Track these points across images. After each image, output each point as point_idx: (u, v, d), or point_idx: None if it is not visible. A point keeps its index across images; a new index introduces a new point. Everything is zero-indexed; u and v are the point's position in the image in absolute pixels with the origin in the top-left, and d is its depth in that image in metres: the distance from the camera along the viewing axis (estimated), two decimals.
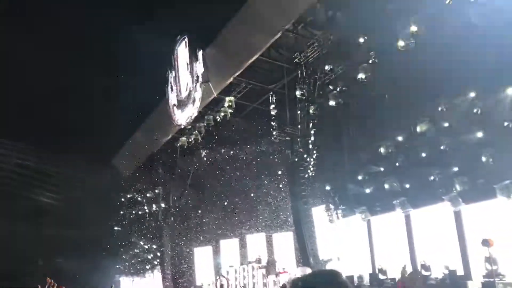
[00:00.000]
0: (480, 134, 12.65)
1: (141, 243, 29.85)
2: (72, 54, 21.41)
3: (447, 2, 11.55)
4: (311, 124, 17.57)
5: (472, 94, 12.80)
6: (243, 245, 22.79)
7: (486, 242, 9.84)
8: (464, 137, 13.05)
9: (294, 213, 19.01)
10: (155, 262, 28.29)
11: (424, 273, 13.38)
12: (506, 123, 11.88)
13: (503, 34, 10.68)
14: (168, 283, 24.45)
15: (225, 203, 24.34)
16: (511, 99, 11.92)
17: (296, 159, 18.60)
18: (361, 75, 14.59)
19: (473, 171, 12.96)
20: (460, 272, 12.66)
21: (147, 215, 27.84)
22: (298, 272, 17.36)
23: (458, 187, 13.34)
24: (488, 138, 12.48)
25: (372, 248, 16.62)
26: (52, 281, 5.54)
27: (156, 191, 26.24)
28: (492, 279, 10.74)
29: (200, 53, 17.95)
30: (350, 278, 15.42)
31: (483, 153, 12.36)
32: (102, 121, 23.32)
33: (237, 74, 16.81)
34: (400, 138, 15.19)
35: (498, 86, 12.09)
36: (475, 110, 12.64)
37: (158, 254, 27.18)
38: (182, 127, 20.05)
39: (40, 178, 28.73)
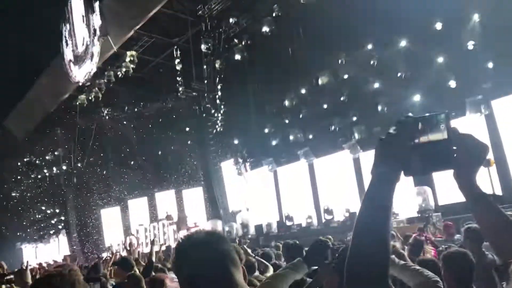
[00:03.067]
0: (376, 85, 13.49)
1: (43, 207, 28.39)
2: None
3: None
4: (217, 79, 17.50)
5: (369, 47, 13.51)
6: (152, 203, 22.58)
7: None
8: (361, 87, 13.85)
9: (203, 168, 19.12)
10: (59, 227, 27.18)
11: (327, 216, 14.29)
12: (399, 74, 12.80)
13: None
14: (74, 247, 23.67)
15: (132, 162, 23.75)
16: (403, 51, 12.77)
17: (204, 115, 18.55)
18: (265, 28, 14.67)
19: (370, 119, 13.86)
20: None
21: (48, 179, 26.40)
22: (209, 225, 17.71)
23: (356, 136, 14.24)
24: (383, 88, 13.37)
25: (279, 197, 17.37)
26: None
27: (56, 153, 24.83)
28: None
29: (96, 4, 16.74)
30: (259, 226, 16.06)
31: (379, 102, 13.25)
32: None
33: (138, 26, 16.00)
34: (303, 91, 15.69)
35: (392, 38, 12.87)
36: (371, 62, 13.41)
37: (62, 218, 26.09)
38: (81, 84, 18.90)
39: None
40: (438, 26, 11.88)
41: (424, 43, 12.38)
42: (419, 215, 11.85)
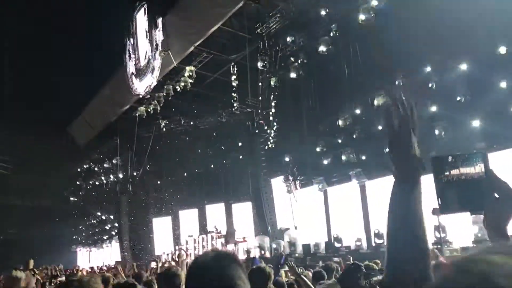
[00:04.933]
0: (434, 108, 13.15)
1: (98, 213, 29.53)
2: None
3: None
4: (272, 96, 17.69)
5: (428, 69, 13.23)
6: (202, 215, 22.93)
7: (436, 211, 10.27)
8: (418, 110, 13.49)
9: (253, 184, 19.26)
10: (113, 233, 28.12)
11: (377, 240, 13.95)
12: (458, 98, 12.41)
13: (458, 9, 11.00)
14: (126, 253, 24.37)
15: (185, 174, 24.29)
16: (463, 75, 12.40)
17: (257, 131, 18.76)
18: (322, 48, 14.72)
19: (425, 143, 13.48)
20: None
21: (105, 185, 27.47)
22: (256, 241, 17.75)
23: None
24: (441, 112, 13.01)
25: (328, 217, 17.15)
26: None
27: (114, 161, 25.83)
28: (439, 246, 11.37)
29: (159, 20, 17.49)
30: (307, 246, 15.91)
31: (436, 126, 12.89)
32: (57, 88, 22.62)
33: (198, 43, 16.53)
34: (357, 111, 15.55)
35: (452, 61, 12.55)
36: (430, 85, 13.10)
37: (116, 224, 26.98)
38: (141, 96, 19.67)
39: None
40: (502, 50, 11.48)
41: (486, 67, 11.97)
42: (474, 244, 11.35)
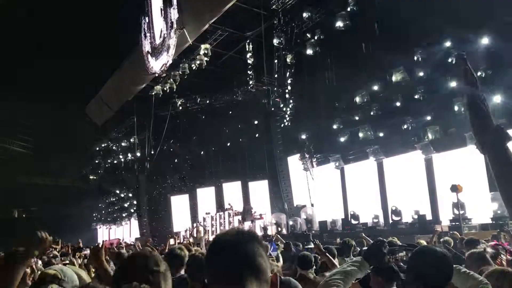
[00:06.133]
0: (453, 84, 12.88)
1: (117, 191, 29.99)
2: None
3: None
4: (288, 73, 17.54)
5: (448, 44, 12.92)
6: (219, 193, 23.12)
7: (455, 188, 10.23)
8: (437, 86, 13.29)
9: (270, 162, 19.27)
10: (131, 210, 28.59)
11: (395, 217, 13.92)
12: (479, 73, 12.12)
13: None
14: (145, 230, 24.80)
15: (202, 152, 24.43)
16: (484, 49, 12.09)
17: (273, 109, 18.69)
18: (339, 23, 14.49)
19: (444, 120, 13.29)
20: (429, 217, 13.23)
21: (123, 164, 27.82)
22: (273, 218, 17.87)
23: (430, 136, 13.72)
24: (460, 88, 12.73)
25: (345, 194, 17.13)
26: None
27: (132, 140, 26.10)
28: (458, 223, 11.28)
29: None
30: (324, 223, 15.96)
31: (455, 102, 12.65)
32: (73, 70, 22.77)
33: (213, 20, 16.40)
34: (375, 88, 15.35)
35: (472, 36, 12.21)
36: (449, 60, 12.81)
37: (135, 202, 27.40)
38: (157, 75, 19.70)
39: (12, 125, 28.22)
40: None
41: (507, 41, 11.62)
42: (493, 222, 11.25)
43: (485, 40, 12.08)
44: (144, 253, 1.70)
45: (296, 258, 5.21)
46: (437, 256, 2.19)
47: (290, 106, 18.02)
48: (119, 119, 25.93)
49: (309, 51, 15.87)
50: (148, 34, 19.54)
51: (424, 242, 6.46)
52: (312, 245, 6.89)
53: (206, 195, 23.78)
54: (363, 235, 8.40)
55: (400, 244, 2.77)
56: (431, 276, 2.10)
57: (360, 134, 15.66)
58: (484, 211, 11.59)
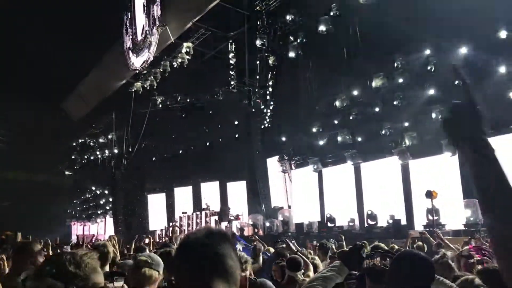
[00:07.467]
0: (431, 91, 13.11)
1: (93, 188, 29.59)
2: None
3: None
4: (269, 75, 17.58)
5: (427, 52, 13.14)
6: (196, 193, 22.99)
7: (429, 194, 10.37)
8: (416, 93, 13.50)
9: (249, 163, 19.27)
10: (107, 208, 28.23)
11: (370, 221, 14.05)
12: (456, 82, 12.32)
13: None
14: (120, 228, 24.50)
15: (180, 151, 24.27)
16: (463, 59, 12.31)
17: (253, 110, 18.70)
18: (321, 27, 14.58)
19: (422, 126, 13.50)
20: (404, 221, 13.41)
21: (100, 161, 27.47)
22: (250, 219, 17.87)
23: (407, 142, 13.92)
24: (438, 95, 12.96)
25: (322, 197, 17.25)
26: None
27: (109, 136, 25.79)
28: (432, 228, 11.45)
29: None
30: (300, 225, 16.03)
31: (433, 109, 12.87)
32: (52, 63, 22.34)
33: (196, 19, 16.33)
34: (355, 92, 15.49)
35: (451, 45, 12.44)
36: (428, 67, 13.04)
37: (110, 199, 27.07)
38: (137, 71, 19.51)
39: None
40: (503, 34, 11.39)
41: (486, 51, 11.87)
42: (466, 228, 11.46)
43: (463, 50, 12.31)
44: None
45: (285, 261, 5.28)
46: (419, 260, 2.22)
47: (271, 107, 18.06)
48: (97, 115, 25.57)
49: (291, 54, 15.93)
50: (130, 30, 19.36)
51: (396, 247, 6.55)
52: (284, 245, 6.95)
53: (183, 194, 23.64)
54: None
55: (386, 248, 2.81)
56: (413, 280, 2.13)
57: (339, 138, 15.78)
58: (458, 217, 11.81)
